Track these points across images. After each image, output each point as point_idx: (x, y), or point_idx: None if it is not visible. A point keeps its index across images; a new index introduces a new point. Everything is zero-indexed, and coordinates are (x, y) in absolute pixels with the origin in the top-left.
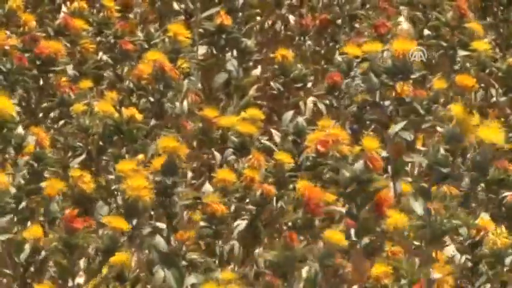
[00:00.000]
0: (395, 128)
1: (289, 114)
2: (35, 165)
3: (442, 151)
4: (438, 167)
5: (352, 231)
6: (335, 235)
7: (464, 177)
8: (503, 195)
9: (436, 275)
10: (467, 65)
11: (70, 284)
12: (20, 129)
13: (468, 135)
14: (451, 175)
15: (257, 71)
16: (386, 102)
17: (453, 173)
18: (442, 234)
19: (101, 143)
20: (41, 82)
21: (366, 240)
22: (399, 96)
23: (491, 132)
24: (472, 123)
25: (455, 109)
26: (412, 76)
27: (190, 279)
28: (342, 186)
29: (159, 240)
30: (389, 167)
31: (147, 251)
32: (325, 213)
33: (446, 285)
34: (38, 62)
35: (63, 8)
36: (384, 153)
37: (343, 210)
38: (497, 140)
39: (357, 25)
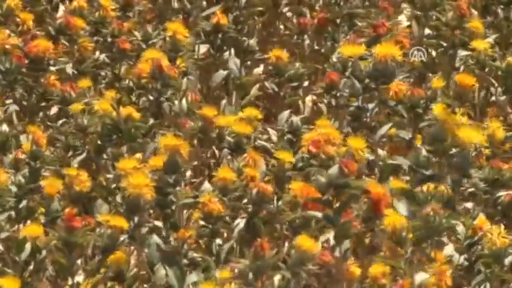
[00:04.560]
0: (380, 131)
1: (286, 113)
2: (32, 163)
3: (424, 152)
4: (420, 168)
5: (331, 235)
6: (306, 242)
7: (446, 178)
8: (498, 194)
9: (421, 275)
10: (468, 64)
11: (69, 282)
12: (4, 127)
13: (451, 136)
14: (433, 176)
15: (259, 70)
16: (371, 105)
17: (436, 174)
18: (436, 234)
19: (99, 142)
20: (32, 81)
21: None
22: (384, 99)
23: (471, 132)
24: (454, 123)
25: (437, 109)
26: (395, 80)
27: (191, 277)
28: (319, 192)
29: (159, 238)
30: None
31: (147, 250)
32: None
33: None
34: (26, 61)
35: (61, 7)
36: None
37: (319, 214)
38: (477, 140)
39: (358, 23)
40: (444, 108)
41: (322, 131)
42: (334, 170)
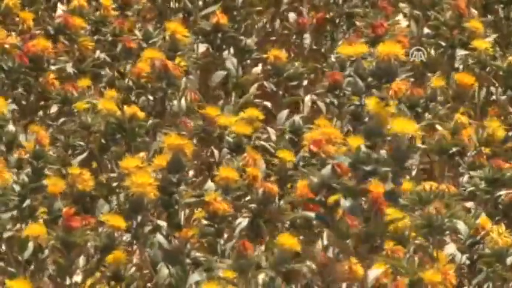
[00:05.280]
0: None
1: (284, 112)
2: (35, 163)
3: (363, 148)
4: (361, 165)
5: (324, 235)
6: (288, 240)
7: (388, 172)
8: (499, 193)
9: (374, 272)
10: (468, 63)
11: (68, 282)
12: (11, 127)
13: (386, 128)
14: (375, 172)
15: (258, 69)
16: None
17: (376, 169)
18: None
19: (103, 140)
20: (32, 80)
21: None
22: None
23: (405, 123)
24: (388, 115)
25: (371, 103)
26: (397, 79)
27: (194, 277)
28: (312, 192)
29: (162, 238)
30: None
31: (149, 249)
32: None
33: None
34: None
35: (60, 6)
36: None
37: (312, 214)
38: (409, 131)
39: (356, 23)
40: (378, 102)
41: (324, 131)
42: (326, 170)
